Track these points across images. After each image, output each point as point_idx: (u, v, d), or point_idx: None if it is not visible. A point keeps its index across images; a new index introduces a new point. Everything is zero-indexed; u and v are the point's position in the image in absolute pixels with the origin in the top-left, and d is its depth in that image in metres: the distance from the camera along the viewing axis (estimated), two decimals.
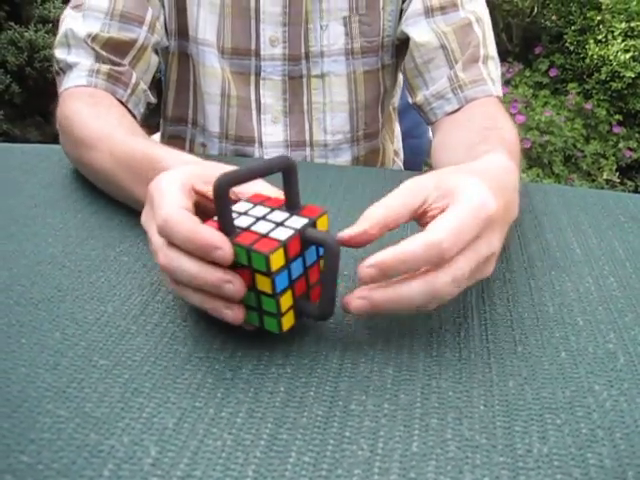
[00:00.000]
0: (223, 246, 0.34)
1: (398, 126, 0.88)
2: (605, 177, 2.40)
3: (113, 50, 0.63)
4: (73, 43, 0.63)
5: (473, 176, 0.39)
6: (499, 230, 0.39)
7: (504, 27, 2.80)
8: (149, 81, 0.67)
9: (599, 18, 2.53)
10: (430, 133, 0.72)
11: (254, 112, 0.72)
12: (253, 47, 0.70)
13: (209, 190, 0.38)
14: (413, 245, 0.35)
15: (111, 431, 0.32)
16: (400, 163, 0.89)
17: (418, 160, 1.00)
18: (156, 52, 0.68)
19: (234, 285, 0.35)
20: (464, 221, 0.36)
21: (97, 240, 0.50)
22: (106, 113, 0.58)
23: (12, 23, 2.04)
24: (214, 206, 0.35)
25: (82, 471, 0.29)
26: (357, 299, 0.36)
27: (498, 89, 0.66)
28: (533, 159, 2.36)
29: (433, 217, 0.37)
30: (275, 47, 0.69)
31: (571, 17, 2.64)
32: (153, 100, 0.68)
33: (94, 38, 0.63)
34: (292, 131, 0.73)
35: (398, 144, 0.89)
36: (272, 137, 0.72)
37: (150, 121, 0.69)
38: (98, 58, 0.63)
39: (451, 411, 0.34)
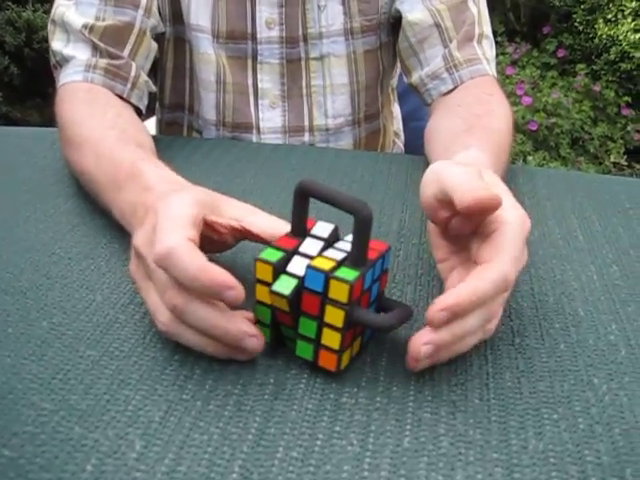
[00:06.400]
0: (236, 286, 0.32)
1: (397, 107, 0.86)
2: (612, 160, 2.36)
3: (112, 40, 0.61)
4: (70, 35, 0.61)
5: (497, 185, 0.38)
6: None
7: (512, 6, 2.75)
8: (149, 69, 0.65)
9: None
10: None
11: (251, 97, 0.70)
12: (249, 30, 0.68)
13: (218, 220, 0.37)
14: (484, 283, 0.34)
15: (96, 424, 0.31)
16: (401, 144, 0.87)
17: (420, 143, 0.98)
18: (154, 38, 0.66)
19: (258, 340, 0.34)
20: (517, 245, 0.35)
21: (88, 227, 0.49)
22: (101, 113, 0.55)
23: (10, 3, 2.02)
24: (292, 209, 0.34)
25: (64, 466, 0.29)
26: (424, 345, 0.33)
27: (493, 69, 0.65)
28: (539, 142, 2.33)
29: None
30: (272, 29, 0.67)
31: None
32: (154, 89, 0.67)
33: (91, 29, 0.60)
34: (290, 116, 0.71)
35: (398, 125, 0.87)
36: (270, 123, 0.71)
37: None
38: (96, 51, 0.60)
39: (445, 405, 0.33)
